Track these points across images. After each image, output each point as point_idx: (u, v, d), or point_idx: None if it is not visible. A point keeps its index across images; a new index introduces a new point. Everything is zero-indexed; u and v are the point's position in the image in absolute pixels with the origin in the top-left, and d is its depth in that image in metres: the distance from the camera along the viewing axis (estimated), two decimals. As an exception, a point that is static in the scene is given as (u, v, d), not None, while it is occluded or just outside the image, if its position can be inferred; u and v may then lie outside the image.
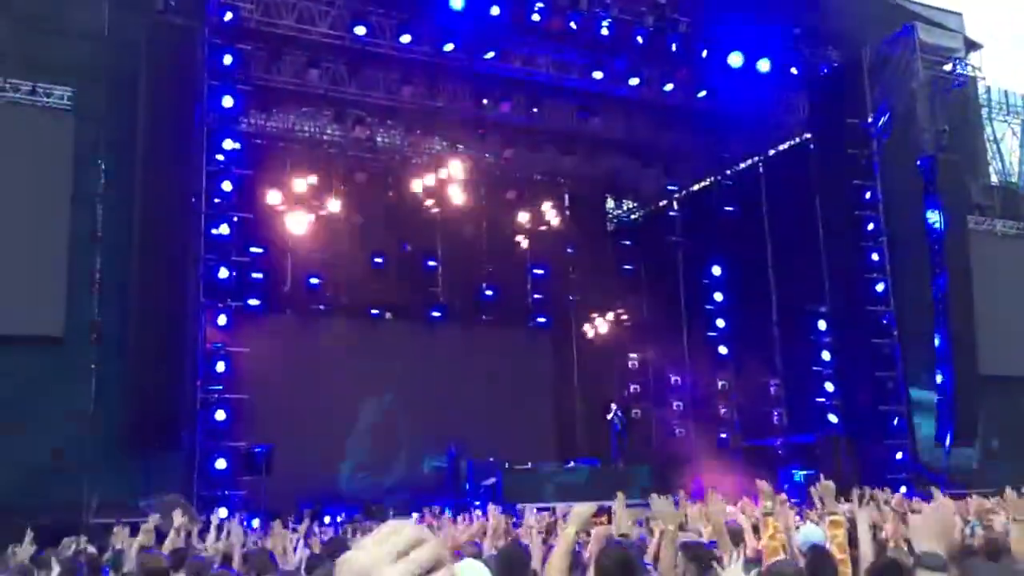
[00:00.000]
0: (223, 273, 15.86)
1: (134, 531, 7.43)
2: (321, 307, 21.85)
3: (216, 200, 16.07)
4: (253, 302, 19.03)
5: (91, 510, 13.16)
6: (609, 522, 4.72)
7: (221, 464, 15.29)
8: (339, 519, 15.54)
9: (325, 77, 18.83)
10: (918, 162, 19.46)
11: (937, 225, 19.01)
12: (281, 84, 18.82)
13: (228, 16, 16.42)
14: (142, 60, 14.72)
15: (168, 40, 15.03)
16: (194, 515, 11.71)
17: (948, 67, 20.28)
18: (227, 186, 16.22)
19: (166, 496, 12.65)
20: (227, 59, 16.38)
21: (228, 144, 16.46)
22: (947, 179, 19.47)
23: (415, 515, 14.55)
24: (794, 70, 19.39)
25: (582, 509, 4.14)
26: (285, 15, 17.28)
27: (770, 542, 4.92)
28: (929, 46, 19.73)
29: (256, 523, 13.87)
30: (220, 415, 15.51)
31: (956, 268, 18.96)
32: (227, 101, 16.42)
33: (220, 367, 15.85)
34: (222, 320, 15.97)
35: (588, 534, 5.18)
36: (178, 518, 6.84)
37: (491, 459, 18.31)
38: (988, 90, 22.60)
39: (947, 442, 18.40)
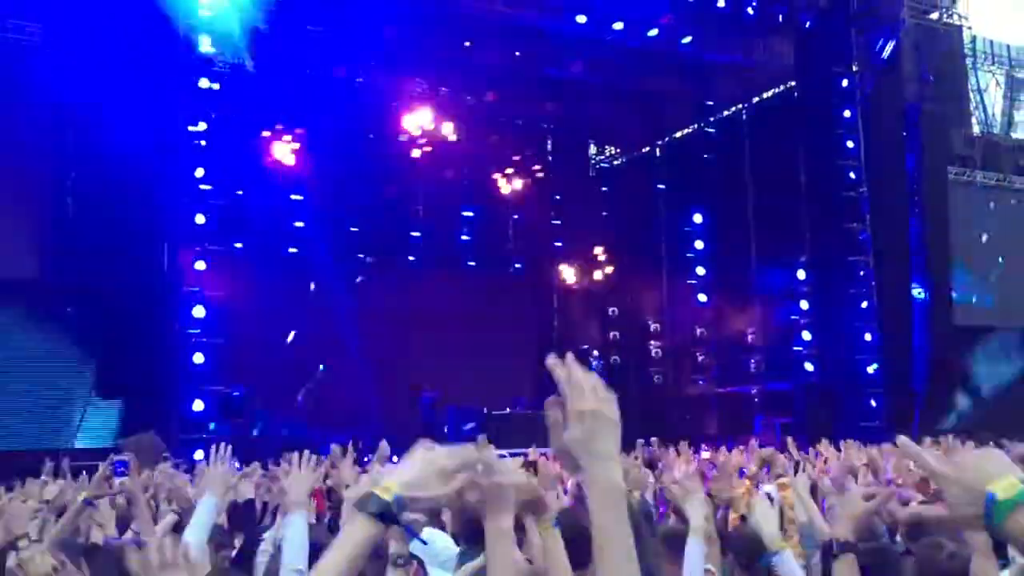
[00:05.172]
0: (199, 219, 15.67)
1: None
2: (300, 251, 21.63)
3: (195, 142, 15.85)
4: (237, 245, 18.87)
5: (67, 453, 13.15)
6: (535, 474, 4.65)
7: (199, 406, 15.26)
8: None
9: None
10: (902, 111, 19.40)
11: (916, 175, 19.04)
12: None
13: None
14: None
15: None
16: (166, 455, 11.69)
17: (934, 16, 20.13)
18: (202, 126, 15.97)
19: (141, 437, 12.63)
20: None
21: (204, 84, 16.15)
22: (929, 129, 19.44)
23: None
24: (780, 17, 19.14)
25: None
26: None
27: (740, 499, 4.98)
28: (916, -6, 19.55)
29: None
30: (198, 359, 15.45)
31: (935, 219, 19.02)
32: (204, 41, 16.08)
33: (198, 312, 15.72)
34: (200, 265, 15.78)
35: None
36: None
37: (470, 405, 18.35)
38: (973, 40, 22.40)
39: (922, 392, 18.63)
